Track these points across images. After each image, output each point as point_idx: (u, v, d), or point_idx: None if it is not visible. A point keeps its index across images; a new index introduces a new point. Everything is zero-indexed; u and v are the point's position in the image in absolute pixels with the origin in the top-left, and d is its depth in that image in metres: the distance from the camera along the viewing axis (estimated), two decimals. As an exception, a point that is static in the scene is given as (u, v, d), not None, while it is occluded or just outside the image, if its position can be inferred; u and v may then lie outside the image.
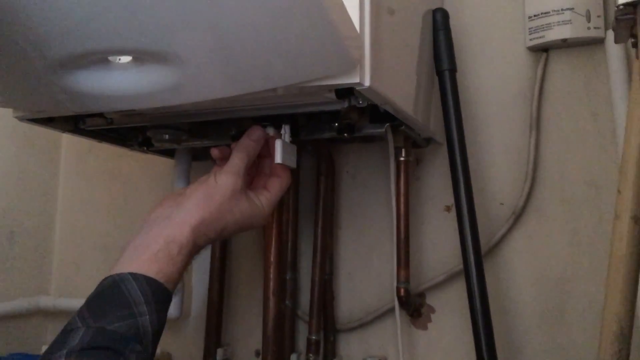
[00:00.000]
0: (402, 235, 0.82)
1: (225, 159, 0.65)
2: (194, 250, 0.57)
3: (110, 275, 0.52)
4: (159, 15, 0.43)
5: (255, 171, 0.69)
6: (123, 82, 0.53)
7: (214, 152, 0.67)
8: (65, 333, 0.48)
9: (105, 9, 0.42)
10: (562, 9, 0.83)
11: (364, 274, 0.95)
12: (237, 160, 0.63)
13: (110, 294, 0.50)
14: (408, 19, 0.72)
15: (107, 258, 0.55)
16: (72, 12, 0.42)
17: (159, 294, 0.51)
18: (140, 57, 0.50)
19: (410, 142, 0.82)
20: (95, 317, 0.48)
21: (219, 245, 0.97)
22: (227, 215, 0.60)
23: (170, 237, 0.55)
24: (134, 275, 0.51)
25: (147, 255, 0.53)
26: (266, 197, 0.65)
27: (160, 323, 0.51)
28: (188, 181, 0.90)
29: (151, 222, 0.58)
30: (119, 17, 0.43)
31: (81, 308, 0.50)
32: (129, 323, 0.48)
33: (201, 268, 1.03)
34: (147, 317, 0.49)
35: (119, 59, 0.51)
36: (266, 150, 0.68)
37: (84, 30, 0.45)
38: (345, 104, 0.60)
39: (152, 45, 0.47)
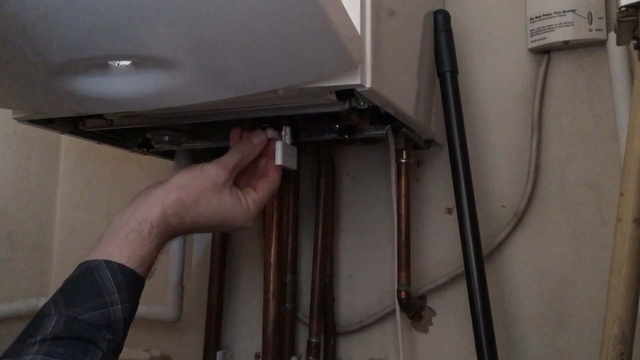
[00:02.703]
0: (403, 238, 0.82)
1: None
2: (167, 230, 0.57)
3: (87, 261, 0.52)
4: (157, 23, 0.43)
5: (254, 172, 0.69)
6: (123, 85, 0.54)
7: (235, 132, 0.68)
8: (40, 318, 0.49)
9: (104, 17, 0.42)
10: (563, 11, 0.83)
11: (365, 276, 0.95)
12: (229, 156, 0.64)
13: (85, 281, 0.51)
14: (409, 20, 0.72)
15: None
16: (72, 20, 0.42)
17: (131, 281, 0.52)
18: (139, 61, 0.50)
19: (411, 144, 0.82)
20: (68, 305, 0.49)
21: (218, 247, 0.97)
22: (204, 202, 0.60)
23: (142, 216, 0.55)
24: (108, 263, 0.52)
25: (121, 236, 0.54)
26: (252, 197, 0.65)
27: (132, 310, 0.52)
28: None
29: (132, 201, 0.58)
30: (118, 25, 0.43)
31: (56, 293, 0.51)
32: (101, 313, 0.49)
33: (201, 270, 1.03)
34: (119, 306, 0.50)
35: (118, 64, 0.52)
36: (263, 151, 0.68)
37: (84, 36, 0.45)
38: (346, 106, 0.60)
39: (151, 51, 0.47)
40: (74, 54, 0.47)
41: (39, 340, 0.46)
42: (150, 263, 0.55)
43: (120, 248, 0.53)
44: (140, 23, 0.43)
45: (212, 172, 0.61)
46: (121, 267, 0.52)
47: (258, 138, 0.67)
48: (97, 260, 0.52)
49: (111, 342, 0.49)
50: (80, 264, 0.53)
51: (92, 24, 0.43)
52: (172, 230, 0.58)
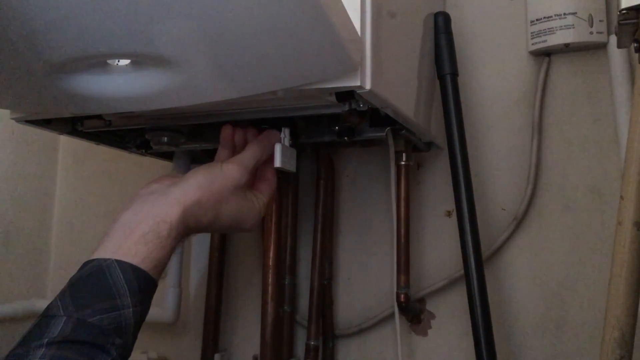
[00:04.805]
0: (402, 240, 0.82)
1: (229, 145, 0.65)
2: (184, 232, 0.55)
3: (96, 259, 0.50)
4: (157, 20, 0.43)
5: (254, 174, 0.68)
6: (122, 85, 0.53)
7: (227, 129, 0.65)
8: (46, 318, 0.46)
9: (103, 14, 0.42)
10: (564, 14, 0.83)
11: (364, 279, 0.95)
12: (250, 155, 0.62)
13: (95, 281, 0.48)
14: (409, 22, 0.72)
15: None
16: (71, 17, 0.42)
17: (144, 284, 0.50)
18: (139, 60, 0.50)
19: (411, 146, 0.82)
20: (78, 305, 0.47)
21: (217, 248, 0.96)
22: (224, 204, 0.58)
23: (160, 216, 0.53)
24: (120, 264, 0.49)
25: (136, 236, 0.51)
26: (262, 200, 0.64)
27: (142, 314, 0.50)
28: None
29: (144, 198, 0.56)
30: (117, 22, 0.43)
31: (64, 291, 0.49)
32: (112, 316, 0.47)
33: (199, 272, 1.02)
34: (130, 309, 0.48)
35: (118, 62, 0.51)
36: None
37: (83, 34, 0.44)
38: (346, 108, 0.59)
39: (150, 49, 0.47)
40: (72, 51, 0.47)
41: (46, 344, 0.44)
42: (164, 266, 0.53)
43: (136, 249, 0.50)
44: (147, 21, 0.43)
45: (235, 174, 0.59)
46: (134, 269, 0.49)
47: (274, 138, 0.65)
48: (109, 259, 0.49)
49: (120, 347, 0.47)
50: (87, 262, 0.50)
51: (90, 21, 0.43)
52: (188, 231, 0.56)
